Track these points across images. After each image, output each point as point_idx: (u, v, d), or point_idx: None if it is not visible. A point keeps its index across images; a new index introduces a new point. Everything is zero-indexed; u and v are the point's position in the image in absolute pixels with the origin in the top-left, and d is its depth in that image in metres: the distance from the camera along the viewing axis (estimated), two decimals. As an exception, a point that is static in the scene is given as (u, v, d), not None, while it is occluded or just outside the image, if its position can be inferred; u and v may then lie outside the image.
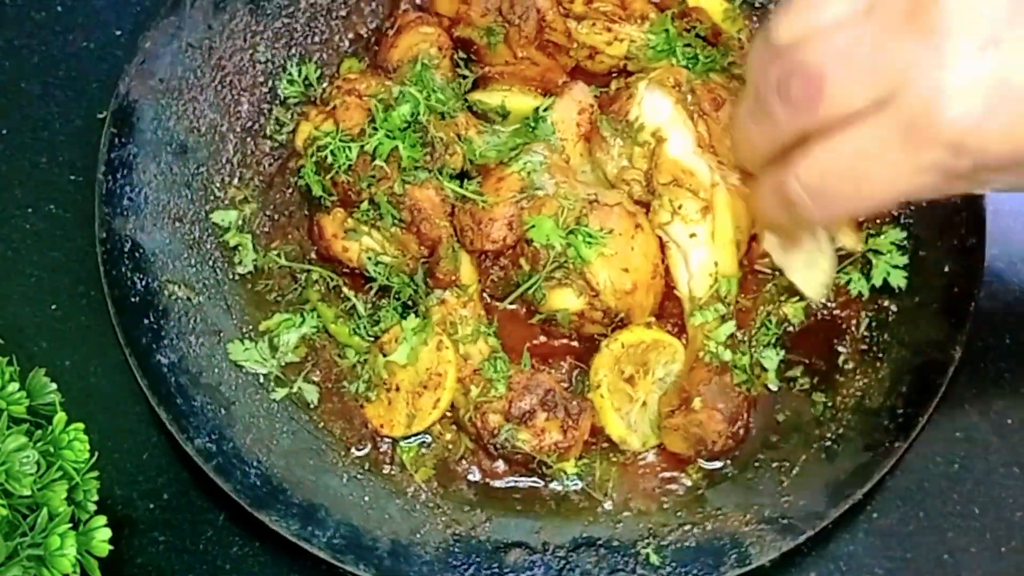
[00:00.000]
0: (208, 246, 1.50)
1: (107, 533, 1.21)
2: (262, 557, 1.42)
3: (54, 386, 1.26)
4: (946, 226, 1.49)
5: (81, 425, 1.23)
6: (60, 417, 1.23)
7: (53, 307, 1.55)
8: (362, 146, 1.41)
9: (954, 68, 1.00)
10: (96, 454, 1.24)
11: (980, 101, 1.00)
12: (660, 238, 1.45)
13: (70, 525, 1.17)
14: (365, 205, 1.42)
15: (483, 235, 1.41)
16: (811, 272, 1.43)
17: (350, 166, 1.41)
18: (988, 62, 1.00)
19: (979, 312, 1.47)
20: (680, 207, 1.43)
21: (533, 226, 1.38)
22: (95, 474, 1.24)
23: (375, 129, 1.41)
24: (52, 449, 1.21)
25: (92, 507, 1.24)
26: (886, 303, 1.48)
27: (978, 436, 1.48)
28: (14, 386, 1.22)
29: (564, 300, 1.41)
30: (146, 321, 1.42)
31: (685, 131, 1.45)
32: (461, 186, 1.44)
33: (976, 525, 1.43)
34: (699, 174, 1.44)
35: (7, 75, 1.68)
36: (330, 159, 1.42)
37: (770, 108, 1.12)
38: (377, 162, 1.40)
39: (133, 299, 1.43)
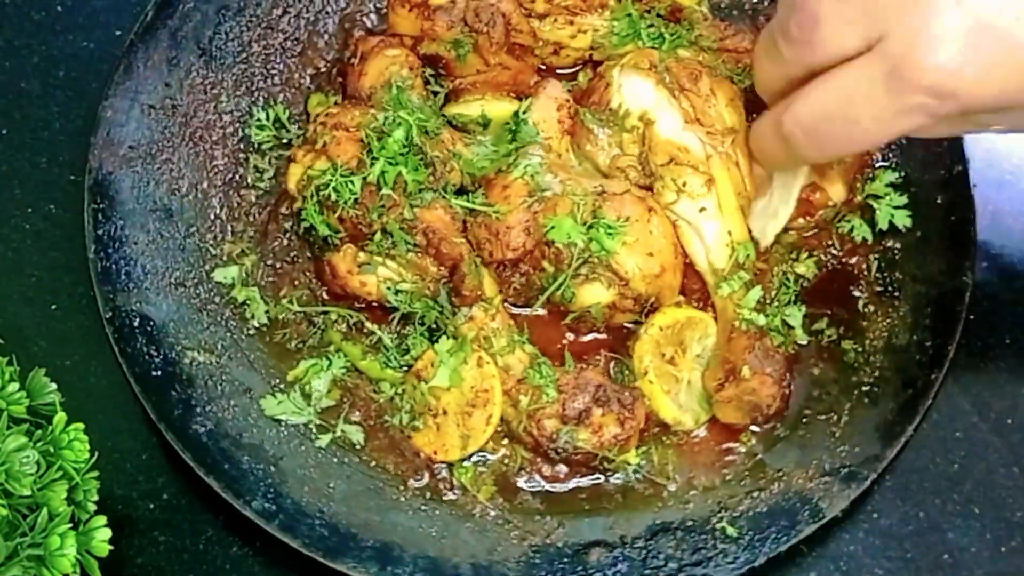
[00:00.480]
0: (217, 306, 1.46)
1: (107, 533, 1.21)
2: (262, 557, 1.41)
3: (54, 386, 1.26)
4: (930, 160, 1.53)
5: (81, 425, 1.22)
6: (60, 417, 1.22)
7: (53, 307, 1.53)
8: (364, 178, 1.39)
9: (935, 14, 1.04)
10: (96, 454, 1.23)
11: (960, 47, 1.04)
12: (668, 218, 1.46)
13: (70, 525, 1.17)
14: (379, 236, 1.40)
15: (502, 244, 1.40)
16: (768, 219, 1.47)
17: (356, 200, 1.39)
18: (967, 8, 1.04)
19: (979, 312, 1.53)
20: (684, 184, 1.44)
21: (553, 227, 1.38)
22: (95, 474, 1.24)
23: (374, 159, 1.39)
24: (52, 449, 1.20)
25: (92, 507, 1.23)
26: (890, 243, 1.51)
27: (978, 436, 1.50)
28: (14, 386, 1.22)
29: (594, 295, 1.41)
30: (173, 393, 1.38)
31: (671, 109, 1.46)
32: (468, 201, 1.43)
33: (976, 525, 1.46)
34: (693, 148, 1.45)
35: (7, 75, 1.66)
36: (333, 196, 1.39)
37: (777, 46, 1.19)
38: (384, 191, 1.38)
39: (155, 373, 1.38)
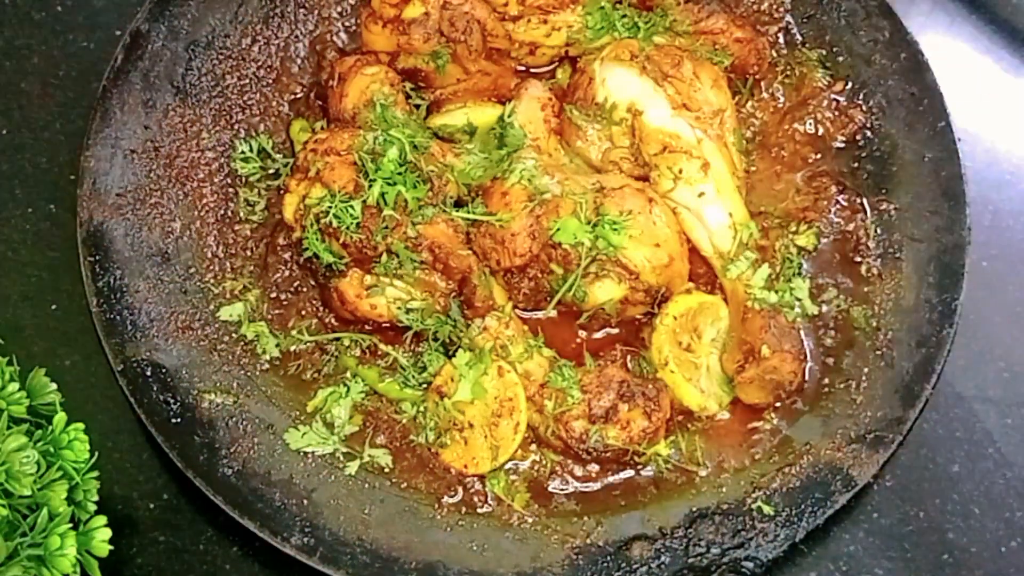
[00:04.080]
0: (227, 345, 1.45)
1: (107, 533, 1.21)
2: (261, 557, 1.41)
3: (54, 386, 1.25)
4: (913, 118, 1.54)
5: (81, 425, 1.22)
6: (60, 417, 1.22)
7: (53, 307, 1.52)
8: (364, 201, 1.38)
9: None
10: (96, 454, 1.23)
11: None
12: (669, 206, 1.46)
13: (70, 525, 1.17)
14: (384, 258, 1.39)
15: (509, 251, 1.40)
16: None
17: (358, 224, 1.38)
18: None
19: (980, 311, 1.55)
20: (680, 171, 1.44)
21: (559, 229, 1.38)
22: (95, 474, 1.24)
23: (371, 181, 1.38)
24: (52, 449, 1.20)
25: (92, 507, 1.23)
26: (883, 206, 1.52)
27: (978, 436, 1.51)
28: (14, 386, 1.21)
29: (606, 291, 1.41)
30: (196, 439, 1.37)
31: (657, 98, 1.47)
32: (469, 212, 1.42)
33: (976, 525, 1.47)
34: (684, 134, 1.46)
35: (7, 75, 1.66)
36: (335, 223, 1.38)
37: None
38: (386, 211, 1.37)
39: (175, 421, 1.37)
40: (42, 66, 1.66)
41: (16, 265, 1.54)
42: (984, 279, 1.57)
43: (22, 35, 1.68)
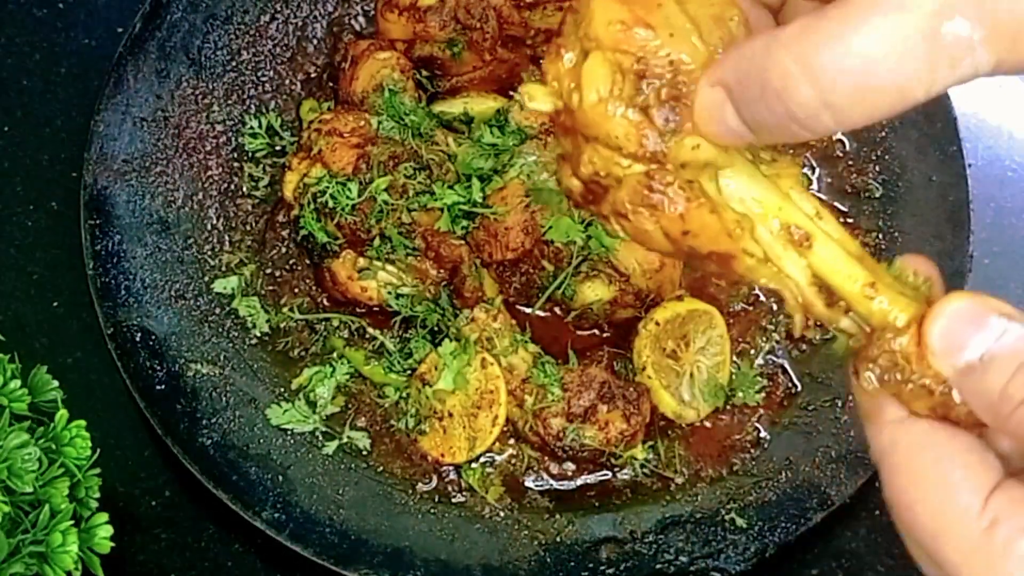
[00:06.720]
0: (218, 317, 1.46)
1: (109, 530, 1.21)
2: (263, 554, 1.40)
3: (56, 383, 1.26)
4: (925, 140, 1.53)
5: (83, 422, 1.22)
6: (62, 414, 1.22)
7: (55, 304, 1.52)
8: (361, 183, 1.39)
9: None
10: (98, 451, 1.23)
11: None
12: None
13: (72, 522, 1.17)
14: (377, 241, 1.40)
15: (502, 245, 1.40)
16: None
17: (354, 206, 1.38)
18: None
19: None
20: None
21: (551, 227, 1.38)
22: (97, 471, 1.24)
23: (369, 166, 1.39)
24: (54, 446, 1.20)
25: (94, 504, 1.23)
26: (889, 223, 1.51)
27: None
28: (16, 383, 1.21)
29: (595, 292, 1.41)
30: (178, 407, 1.38)
31: None
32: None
33: None
34: None
35: (9, 72, 1.65)
36: (331, 203, 1.39)
37: None
38: (382, 196, 1.38)
39: (159, 387, 1.38)
40: (44, 63, 1.66)
41: (18, 262, 1.55)
42: (986, 276, 1.55)
43: (23, 32, 1.68)
